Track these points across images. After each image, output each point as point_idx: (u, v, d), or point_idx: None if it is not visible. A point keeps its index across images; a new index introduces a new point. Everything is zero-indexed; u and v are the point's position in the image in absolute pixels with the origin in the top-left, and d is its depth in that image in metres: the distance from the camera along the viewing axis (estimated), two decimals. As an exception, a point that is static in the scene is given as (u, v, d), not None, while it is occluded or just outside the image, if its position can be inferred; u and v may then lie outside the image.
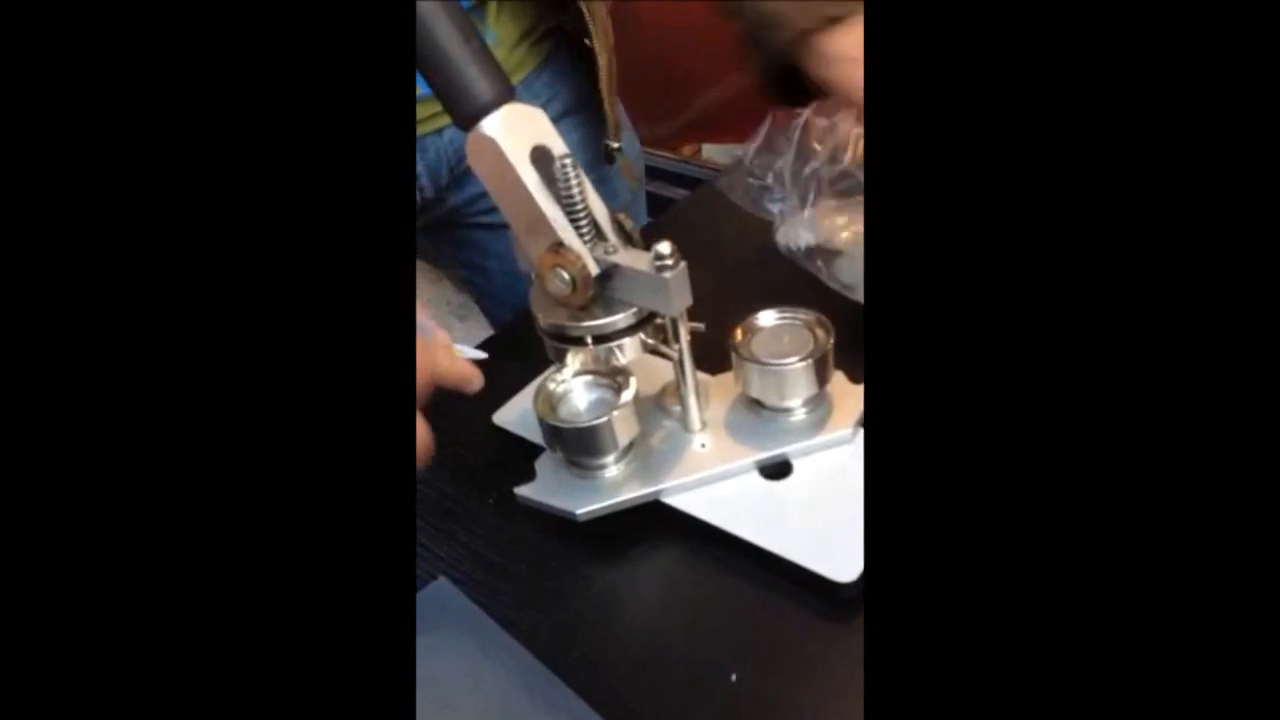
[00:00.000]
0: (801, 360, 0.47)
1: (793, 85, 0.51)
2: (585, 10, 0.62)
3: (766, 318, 0.50)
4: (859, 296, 0.57)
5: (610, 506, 0.47)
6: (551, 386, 0.49)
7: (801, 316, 0.50)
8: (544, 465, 0.50)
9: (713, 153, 1.35)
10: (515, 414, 0.55)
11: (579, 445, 0.47)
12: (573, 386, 0.49)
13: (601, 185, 0.50)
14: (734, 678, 0.40)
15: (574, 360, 0.48)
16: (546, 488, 0.49)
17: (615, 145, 0.70)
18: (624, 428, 0.47)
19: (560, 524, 0.48)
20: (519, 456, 0.51)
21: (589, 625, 0.44)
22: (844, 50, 0.46)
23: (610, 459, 0.48)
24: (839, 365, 0.50)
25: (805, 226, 0.61)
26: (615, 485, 0.48)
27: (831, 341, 0.48)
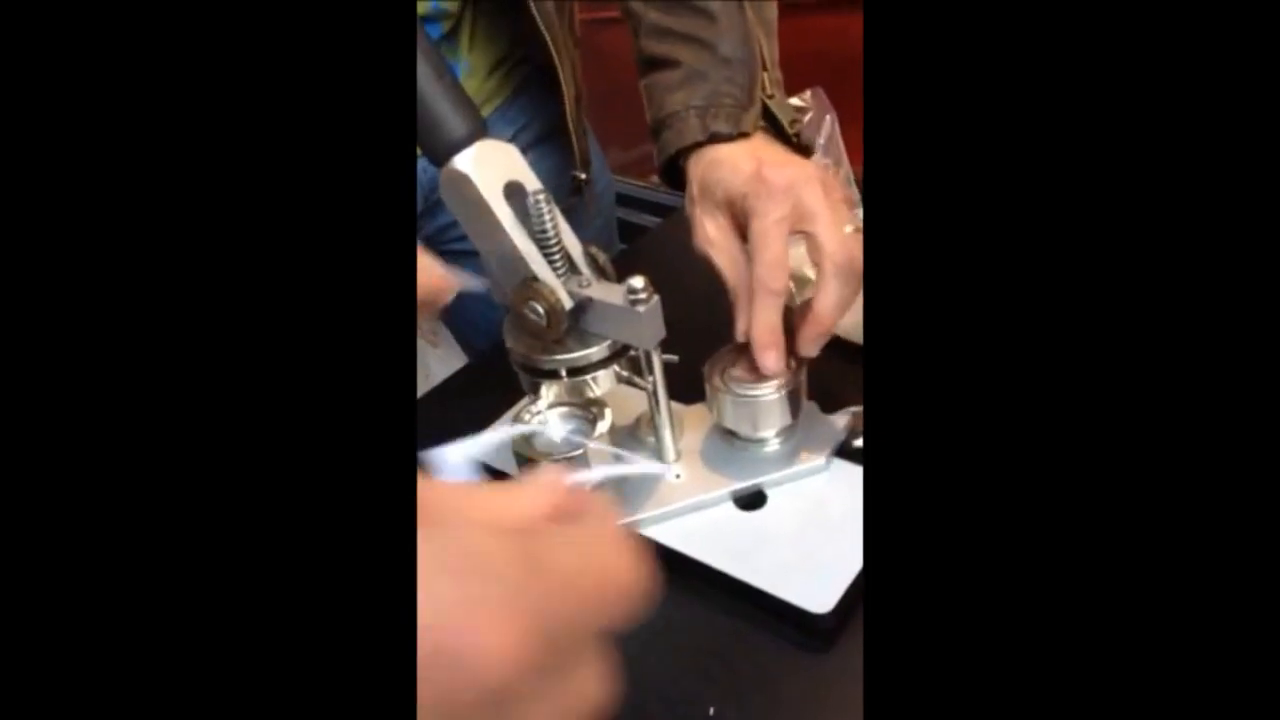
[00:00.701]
0: (775, 391, 0.48)
1: (680, 177, 0.56)
2: (549, 42, 0.63)
3: (740, 348, 0.51)
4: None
5: None
6: (527, 419, 0.49)
7: None
8: None
9: (683, 178, 1.37)
10: (490, 445, 0.55)
11: None
12: (548, 419, 0.49)
13: (571, 214, 0.51)
14: (712, 711, 0.40)
15: (549, 393, 0.48)
16: None
17: (582, 177, 0.71)
18: (599, 460, 0.47)
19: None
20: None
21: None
22: (704, 183, 0.51)
23: None
24: (810, 395, 0.51)
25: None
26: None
27: (804, 373, 0.49)
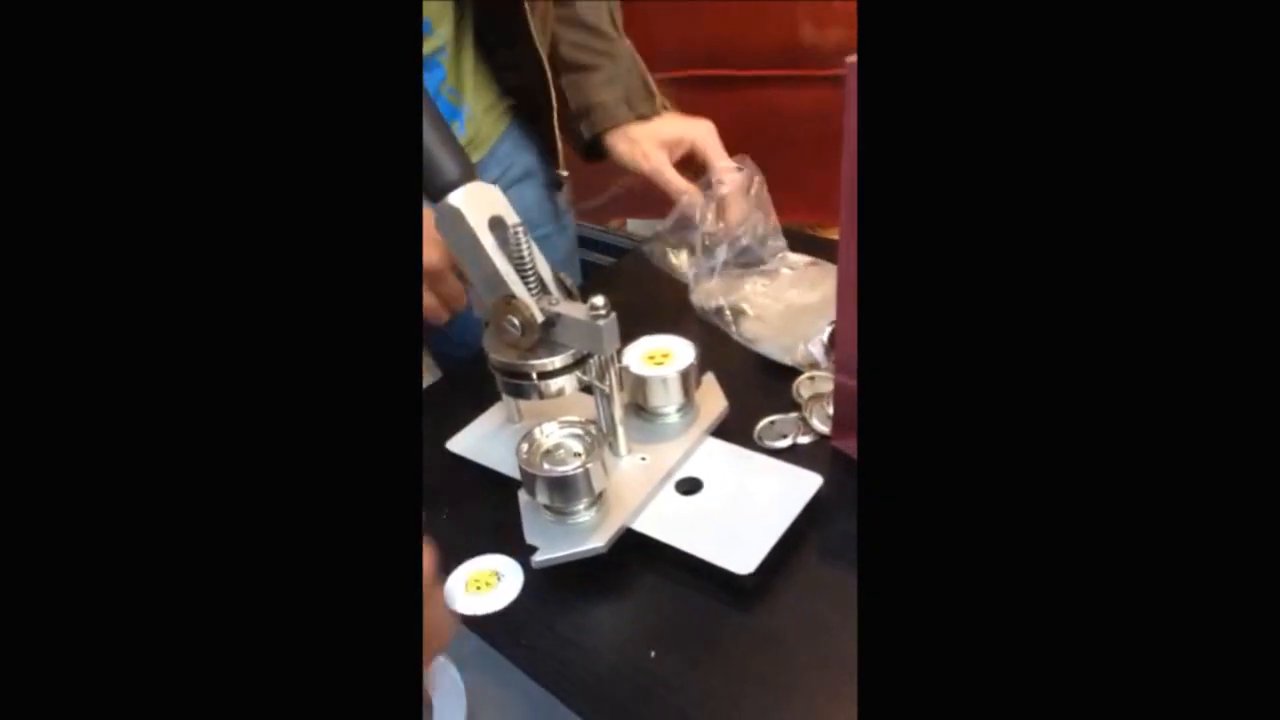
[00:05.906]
0: (671, 370, 0.59)
1: (595, 153, 0.81)
2: (544, 60, 0.73)
3: (642, 343, 0.62)
4: (758, 348, 0.68)
5: (616, 535, 0.53)
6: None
7: (674, 342, 0.61)
8: (534, 518, 0.55)
9: (636, 226, 1.50)
10: (467, 442, 0.63)
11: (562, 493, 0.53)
12: (560, 440, 0.55)
13: (544, 243, 0.60)
14: (653, 654, 0.48)
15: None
16: (553, 543, 0.53)
17: (564, 173, 0.82)
18: (599, 478, 0.53)
19: (505, 535, 0.55)
20: (467, 478, 0.60)
21: (531, 615, 0.52)
22: (640, 135, 0.77)
23: (584, 504, 0.54)
24: (741, 402, 0.61)
25: (714, 290, 0.73)
26: (609, 519, 0.54)
27: (694, 358, 0.60)
